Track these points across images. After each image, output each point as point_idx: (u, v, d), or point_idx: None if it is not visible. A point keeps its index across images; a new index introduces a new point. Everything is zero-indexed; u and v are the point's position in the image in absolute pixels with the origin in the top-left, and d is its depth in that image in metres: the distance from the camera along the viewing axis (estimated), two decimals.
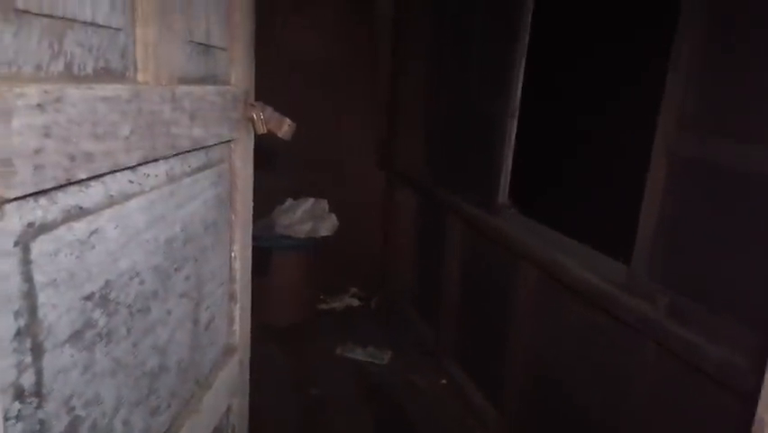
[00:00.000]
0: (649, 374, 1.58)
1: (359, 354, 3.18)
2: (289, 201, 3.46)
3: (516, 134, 2.35)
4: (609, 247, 1.94)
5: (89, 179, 0.64)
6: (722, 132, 1.39)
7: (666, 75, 1.52)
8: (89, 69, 0.64)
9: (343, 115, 3.70)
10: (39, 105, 0.54)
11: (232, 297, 1.23)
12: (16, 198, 0.53)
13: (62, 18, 0.58)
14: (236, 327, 1.26)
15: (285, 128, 1.21)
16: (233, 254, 1.22)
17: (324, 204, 3.47)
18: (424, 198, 3.41)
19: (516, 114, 2.34)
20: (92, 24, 0.63)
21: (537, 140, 2.55)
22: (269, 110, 1.20)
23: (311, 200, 3.45)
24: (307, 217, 3.37)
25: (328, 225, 3.41)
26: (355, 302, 3.90)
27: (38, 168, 0.54)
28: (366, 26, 3.65)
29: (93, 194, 0.66)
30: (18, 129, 0.51)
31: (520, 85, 2.31)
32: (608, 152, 2.61)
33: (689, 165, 1.48)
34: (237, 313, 1.25)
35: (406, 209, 3.61)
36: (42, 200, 0.57)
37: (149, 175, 0.80)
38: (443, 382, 2.89)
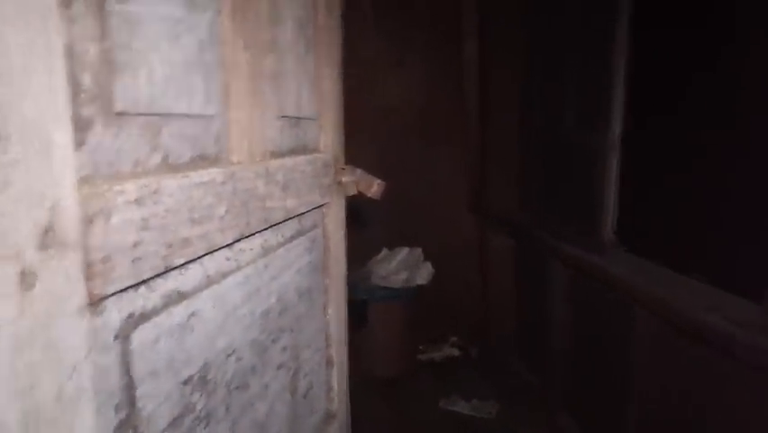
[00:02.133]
0: None
1: (463, 408, 3.05)
2: (384, 251, 3.47)
3: (621, 166, 2.21)
4: (733, 284, 1.74)
5: (187, 263, 0.65)
6: None
7: None
8: (186, 158, 0.67)
9: (435, 162, 3.70)
10: (137, 201, 0.55)
11: (329, 362, 1.22)
12: (115, 293, 0.54)
13: (158, 114, 0.60)
14: (334, 392, 1.24)
15: (374, 188, 1.20)
16: (327, 318, 1.21)
17: (419, 252, 3.45)
18: (521, 242, 3.28)
19: (618, 146, 2.20)
20: (187, 116, 0.65)
21: (646, 170, 2.37)
22: (358, 172, 1.21)
23: (406, 249, 3.43)
24: (403, 267, 3.35)
25: (424, 274, 3.37)
26: (455, 352, 3.78)
27: (136, 260, 0.56)
28: (455, 73, 3.66)
29: (191, 277, 0.68)
30: (117, 226, 0.53)
31: (620, 115, 2.18)
32: (724, 181, 2.37)
33: None
34: (335, 378, 1.23)
35: (502, 254, 3.49)
36: (142, 289, 0.59)
37: (244, 250, 0.81)
38: None
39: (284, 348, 0.96)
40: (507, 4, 3.22)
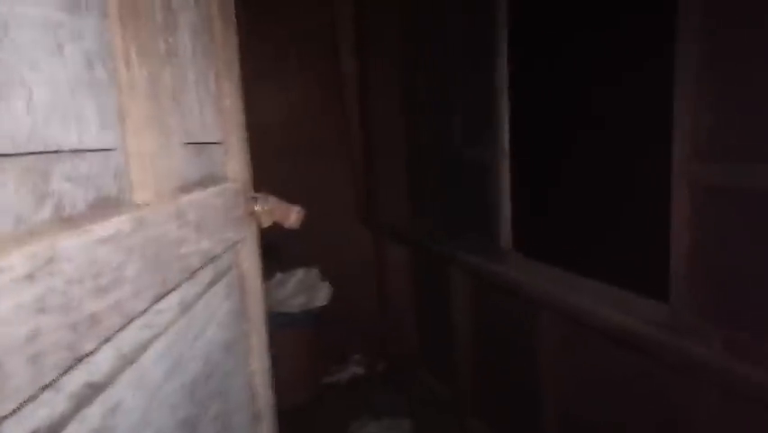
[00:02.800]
0: (713, 419, 1.44)
1: (376, 429, 2.96)
2: (279, 275, 3.28)
3: (513, 174, 2.27)
4: (633, 285, 1.83)
5: (98, 345, 0.49)
6: (739, 154, 1.31)
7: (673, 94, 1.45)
8: (81, 206, 0.50)
9: (322, 178, 3.59)
10: (28, 276, 0.39)
11: (256, 418, 1.06)
12: (12, 412, 0.37)
13: (44, 153, 0.44)
14: None
15: (293, 217, 1.08)
16: (252, 369, 1.05)
17: (316, 272, 3.31)
18: (416, 252, 3.28)
19: (507, 155, 2.26)
20: (80, 151, 0.49)
21: (539, 177, 2.46)
22: (272, 200, 1.07)
23: (301, 271, 3.28)
24: (300, 289, 3.19)
25: (323, 295, 3.24)
26: (360, 370, 3.69)
27: (35, 359, 0.40)
28: (334, 88, 3.59)
29: (101, 361, 0.51)
30: (5, 317, 0.37)
31: (507, 126, 2.24)
32: (615, 184, 2.52)
33: (713, 193, 1.40)
34: (265, 431, 1.08)
35: (399, 265, 3.47)
36: (45, 395, 0.42)
37: (162, 311, 0.65)
38: None
39: (215, 417, 0.80)
40: (385, 18, 3.22)
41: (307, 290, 3.22)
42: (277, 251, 2.79)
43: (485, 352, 2.62)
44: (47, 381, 0.41)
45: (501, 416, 2.53)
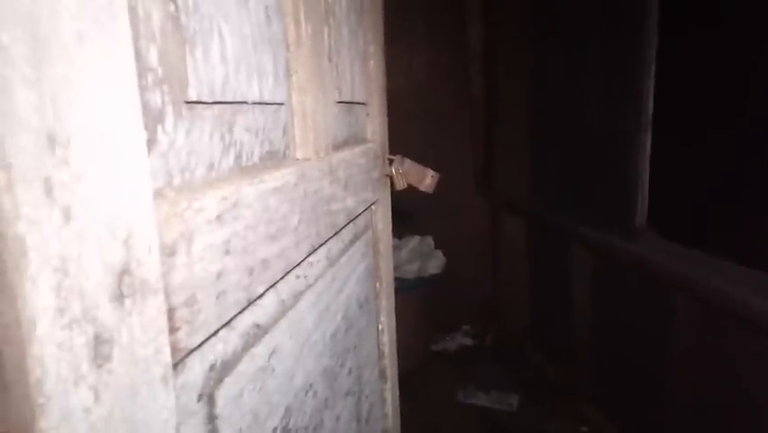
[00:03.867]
0: None
1: (483, 400, 2.95)
2: (394, 241, 3.33)
3: (651, 148, 2.10)
4: None
5: (266, 290, 0.52)
6: None
7: None
8: (256, 157, 0.53)
9: (441, 146, 3.56)
10: (218, 218, 0.42)
11: (382, 375, 1.09)
12: (201, 344, 0.40)
13: (233, 102, 0.46)
14: (388, 408, 1.11)
15: (428, 181, 1.07)
16: (380, 327, 1.08)
17: (430, 241, 3.32)
18: (536, 226, 3.17)
19: (650, 127, 2.09)
20: (259, 104, 0.51)
21: (676, 155, 2.26)
22: (407, 163, 1.07)
23: (416, 238, 3.30)
24: (414, 257, 3.23)
25: (436, 263, 3.25)
26: (468, 341, 3.68)
27: (220, 296, 0.42)
28: (459, 56, 3.52)
29: (267, 305, 0.54)
30: (200, 254, 0.39)
31: (651, 98, 2.06)
32: (760, 166, 2.26)
33: None
34: (389, 393, 1.11)
35: (515, 239, 3.38)
36: (223, 331, 0.45)
37: (312, 264, 0.68)
38: (584, 430, 2.60)
39: (349, 371, 0.83)
40: None
41: (421, 257, 3.24)
42: (397, 215, 2.82)
43: (606, 335, 2.49)
44: (227, 318, 0.44)
45: (622, 406, 2.41)
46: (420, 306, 3.31)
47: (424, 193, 1.14)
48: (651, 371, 2.11)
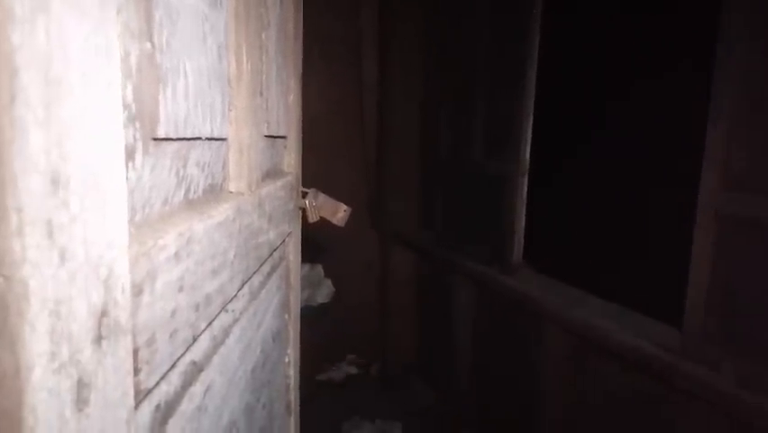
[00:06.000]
0: None
1: (368, 431, 2.97)
2: None
3: (528, 190, 2.30)
4: (642, 307, 1.87)
5: (205, 327, 0.51)
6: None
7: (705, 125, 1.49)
8: (200, 191, 0.53)
9: (334, 176, 3.60)
10: (176, 255, 0.41)
11: (288, 409, 1.08)
12: (156, 384, 0.39)
13: (190, 139, 0.46)
14: None
15: (340, 214, 1.10)
16: (287, 360, 1.07)
17: (320, 269, 3.33)
18: (423, 259, 3.30)
19: (527, 172, 2.30)
20: (209, 139, 0.52)
21: (551, 194, 2.49)
22: (321, 196, 1.09)
23: (306, 266, 3.29)
24: (304, 285, 3.21)
25: (325, 292, 3.26)
26: (354, 370, 3.70)
27: (173, 335, 0.42)
28: (352, 88, 3.61)
29: (203, 341, 0.53)
30: (160, 292, 0.39)
31: (529, 144, 2.27)
32: (633, 206, 2.55)
33: (737, 223, 1.44)
34: (293, 428, 1.10)
35: (403, 270, 3.49)
36: (170, 371, 0.44)
37: (238, 297, 0.67)
38: None
39: (263, 406, 0.82)
40: (408, 28, 3.25)
41: (310, 286, 3.23)
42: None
43: (485, 363, 2.65)
44: (177, 357, 0.43)
45: (498, 430, 2.56)
46: (307, 335, 3.28)
47: (332, 225, 1.16)
48: (525, 397, 2.28)
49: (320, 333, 3.41)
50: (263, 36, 0.74)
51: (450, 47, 2.93)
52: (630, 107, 2.62)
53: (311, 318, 3.30)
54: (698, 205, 1.52)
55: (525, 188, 2.33)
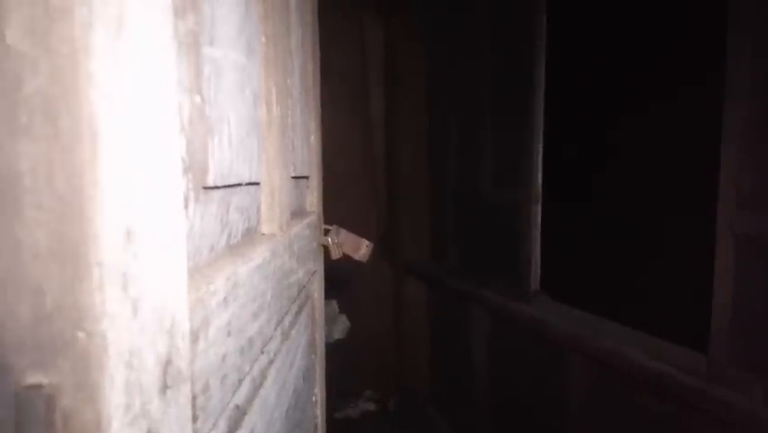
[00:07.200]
0: None
1: None
2: None
3: (542, 218, 2.30)
4: (662, 333, 1.85)
5: (249, 369, 0.51)
6: None
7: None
8: (239, 235, 0.54)
9: (345, 210, 3.62)
10: (225, 300, 0.42)
11: None
12: (209, 432, 0.40)
13: (233, 186, 0.47)
14: None
15: (363, 250, 1.10)
16: (314, 399, 1.07)
17: (335, 305, 3.31)
18: (436, 290, 3.28)
19: (540, 200, 2.30)
20: (248, 184, 0.53)
21: (565, 219, 2.49)
22: (343, 233, 1.10)
23: None
24: None
25: (340, 328, 3.24)
26: (371, 406, 3.64)
27: (223, 380, 0.42)
28: (360, 123, 3.67)
29: (244, 384, 0.53)
30: (213, 338, 0.39)
31: (540, 168, 2.28)
32: (650, 231, 2.54)
33: (758, 243, 1.43)
34: None
35: (417, 302, 3.47)
36: (220, 417, 0.44)
37: (273, 338, 0.67)
38: None
39: None
40: (415, 62, 3.31)
41: (327, 322, 3.22)
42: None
43: (504, 394, 2.60)
44: (227, 402, 0.43)
45: None
46: (327, 372, 3.24)
47: (349, 260, 1.17)
48: (547, 429, 2.23)
49: (337, 369, 3.38)
50: (288, 81, 0.76)
51: (455, 77, 2.97)
52: (644, 127, 2.64)
53: (328, 355, 3.27)
54: (717, 226, 1.51)
55: (540, 216, 2.33)
